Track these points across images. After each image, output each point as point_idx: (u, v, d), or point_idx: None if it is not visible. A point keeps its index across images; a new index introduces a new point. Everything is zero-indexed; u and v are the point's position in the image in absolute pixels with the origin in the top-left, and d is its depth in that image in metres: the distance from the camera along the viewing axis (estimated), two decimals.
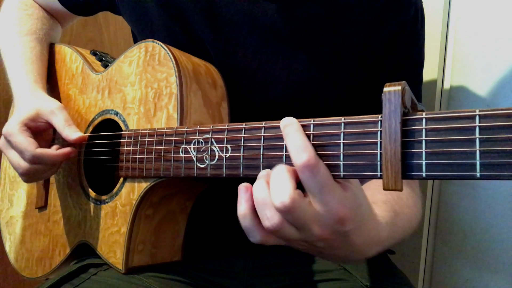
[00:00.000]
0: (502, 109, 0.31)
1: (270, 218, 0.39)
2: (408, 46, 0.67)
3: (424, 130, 0.35)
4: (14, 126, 0.65)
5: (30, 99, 0.70)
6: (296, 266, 0.66)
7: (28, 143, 0.64)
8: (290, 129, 0.40)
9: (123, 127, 0.63)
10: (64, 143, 0.73)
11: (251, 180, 0.47)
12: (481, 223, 0.78)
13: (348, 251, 0.43)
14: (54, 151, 0.65)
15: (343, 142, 0.39)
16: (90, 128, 0.70)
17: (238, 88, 0.65)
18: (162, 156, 0.55)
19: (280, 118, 0.44)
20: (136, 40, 0.78)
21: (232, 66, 0.65)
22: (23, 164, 0.65)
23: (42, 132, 0.69)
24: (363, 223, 0.41)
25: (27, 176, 0.67)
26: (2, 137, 0.68)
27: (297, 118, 0.43)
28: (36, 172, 0.66)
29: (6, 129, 0.66)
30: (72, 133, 0.65)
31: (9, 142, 0.66)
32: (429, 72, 0.85)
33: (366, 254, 0.45)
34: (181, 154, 0.53)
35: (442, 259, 0.86)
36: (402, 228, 0.52)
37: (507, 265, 0.74)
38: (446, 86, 0.84)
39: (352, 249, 0.42)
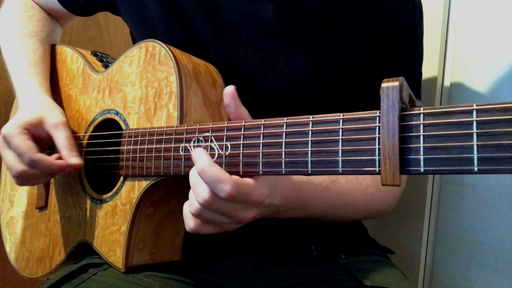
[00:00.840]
0: (499, 103, 0.31)
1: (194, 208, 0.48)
2: (406, 41, 0.67)
3: (422, 125, 0.35)
4: (13, 127, 0.65)
5: (35, 104, 0.70)
6: (296, 266, 0.66)
7: (28, 146, 0.63)
8: (202, 163, 0.46)
9: (123, 127, 0.64)
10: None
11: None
12: (481, 223, 0.78)
13: (275, 211, 0.54)
14: (53, 159, 0.64)
15: (342, 138, 0.39)
16: (91, 128, 0.70)
17: (240, 87, 0.65)
18: (162, 154, 0.55)
19: (282, 115, 0.45)
20: (134, 41, 0.78)
21: (233, 66, 0.65)
22: (18, 166, 0.65)
23: (39, 140, 0.68)
24: (277, 188, 0.51)
25: (20, 179, 0.67)
26: (0, 136, 0.67)
27: (298, 114, 0.43)
28: (30, 176, 0.66)
29: (5, 130, 0.65)
30: (70, 157, 0.64)
31: (7, 142, 0.65)
32: (429, 72, 0.85)
33: (290, 205, 0.55)
34: (181, 153, 0.53)
35: (442, 259, 0.85)
36: (337, 192, 0.62)
37: (507, 265, 0.74)
38: (446, 84, 0.85)
39: (276, 209, 0.53)
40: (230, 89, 0.48)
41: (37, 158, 0.63)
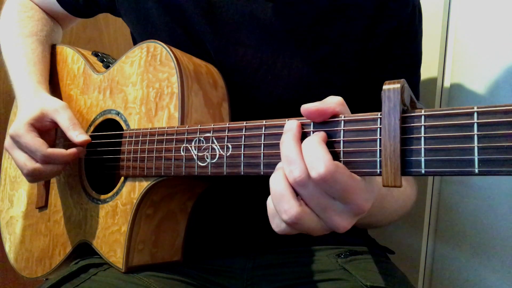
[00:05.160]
0: (500, 106, 0.32)
1: (287, 210, 0.39)
2: (406, 43, 0.67)
3: (423, 127, 0.35)
4: (21, 127, 0.66)
5: (33, 99, 0.70)
6: (296, 266, 0.66)
7: (38, 143, 0.64)
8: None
9: (124, 127, 0.64)
10: (66, 141, 0.74)
11: (252, 178, 0.48)
12: (481, 223, 0.78)
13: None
14: (64, 150, 0.65)
15: (343, 140, 0.39)
16: (92, 128, 0.70)
17: (239, 88, 0.65)
18: (163, 155, 0.55)
19: (281, 116, 0.45)
20: (135, 42, 0.78)
21: (232, 66, 0.65)
22: (30, 165, 0.65)
23: (47, 132, 0.70)
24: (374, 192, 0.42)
25: (32, 177, 0.67)
26: (8, 137, 0.68)
27: (298, 115, 0.43)
28: (43, 172, 0.66)
29: (13, 130, 0.66)
30: (77, 135, 0.65)
31: (16, 143, 0.67)
32: (429, 72, 0.86)
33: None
34: (182, 153, 0.53)
35: (442, 259, 0.86)
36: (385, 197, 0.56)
37: (507, 265, 0.74)
38: (446, 85, 0.85)
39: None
40: (306, 110, 0.41)
41: (49, 153, 0.64)
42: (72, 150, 0.66)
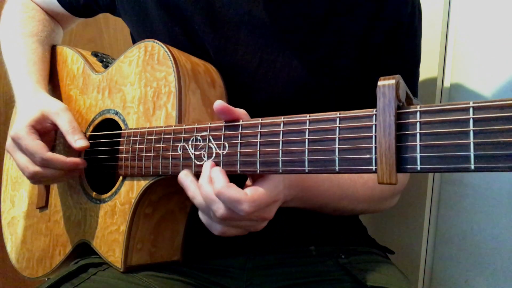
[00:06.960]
0: (495, 101, 0.31)
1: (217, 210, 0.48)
2: (405, 42, 0.67)
3: (418, 123, 0.35)
4: (22, 129, 0.65)
5: (32, 100, 0.70)
6: (295, 266, 0.66)
7: (38, 146, 0.64)
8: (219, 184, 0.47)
9: (122, 126, 0.64)
10: (66, 144, 0.74)
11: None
12: (481, 223, 0.78)
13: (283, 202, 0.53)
14: (64, 157, 0.65)
15: (339, 137, 0.39)
16: (91, 128, 0.70)
17: (238, 87, 0.65)
18: (161, 154, 0.55)
19: (280, 114, 0.45)
20: (134, 42, 0.78)
21: (232, 65, 0.65)
22: (31, 168, 0.65)
23: (47, 133, 0.70)
24: (285, 178, 0.52)
25: (34, 179, 0.67)
26: (10, 139, 0.68)
27: (296, 114, 0.43)
28: (44, 176, 0.66)
29: (14, 132, 0.66)
30: (76, 140, 0.65)
31: (18, 145, 0.66)
32: (429, 72, 0.85)
33: (293, 193, 0.55)
34: (179, 152, 0.53)
35: (442, 259, 0.85)
36: (338, 183, 0.63)
37: (507, 265, 0.74)
38: (446, 85, 0.84)
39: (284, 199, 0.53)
40: (218, 105, 0.48)
41: (48, 157, 0.64)
42: (72, 159, 0.65)
